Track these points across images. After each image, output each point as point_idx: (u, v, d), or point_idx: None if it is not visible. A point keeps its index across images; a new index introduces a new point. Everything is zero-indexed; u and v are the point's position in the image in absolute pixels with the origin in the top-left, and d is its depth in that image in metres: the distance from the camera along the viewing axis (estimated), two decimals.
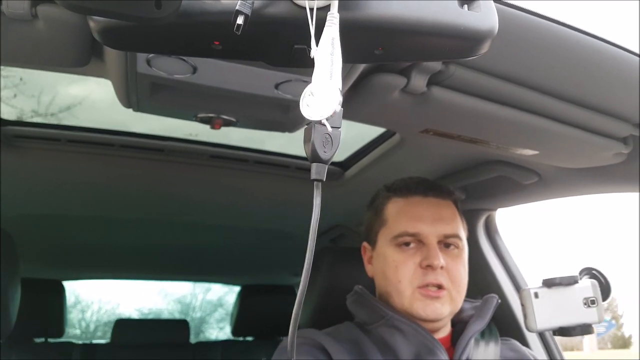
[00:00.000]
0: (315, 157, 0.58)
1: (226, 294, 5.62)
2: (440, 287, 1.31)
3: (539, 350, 1.99)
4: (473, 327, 1.36)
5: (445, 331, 1.40)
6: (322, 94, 0.58)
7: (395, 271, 1.33)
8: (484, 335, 1.44)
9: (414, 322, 1.30)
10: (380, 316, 1.34)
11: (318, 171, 0.59)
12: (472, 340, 1.36)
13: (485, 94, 1.14)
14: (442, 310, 1.31)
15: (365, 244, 1.49)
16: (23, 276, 1.72)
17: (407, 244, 1.35)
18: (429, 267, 1.31)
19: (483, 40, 0.66)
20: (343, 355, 1.27)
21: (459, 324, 1.41)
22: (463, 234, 1.41)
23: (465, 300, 1.40)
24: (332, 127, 0.58)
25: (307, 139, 0.58)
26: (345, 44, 0.59)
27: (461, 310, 1.41)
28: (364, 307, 1.40)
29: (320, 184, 0.59)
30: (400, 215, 1.39)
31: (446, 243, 1.37)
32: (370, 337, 1.34)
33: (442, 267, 1.31)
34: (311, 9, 0.59)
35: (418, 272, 1.32)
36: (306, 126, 0.59)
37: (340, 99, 0.58)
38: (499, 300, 1.43)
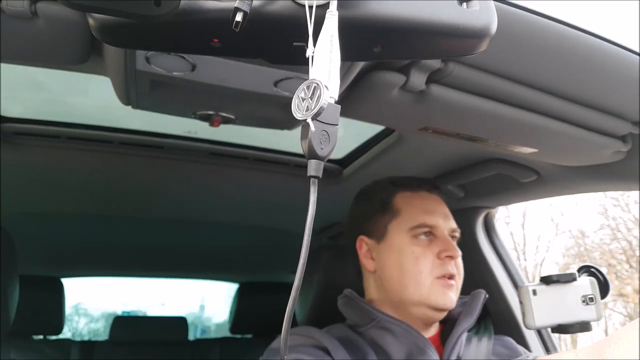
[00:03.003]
0: (312, 154, 0.58)
1: None
2: (452, 277, 1.35)
3: (537, 348, 1.99)
4: (462, 325, 1.37)
5: (434, 329, 1.42)
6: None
7: (416, 262, 1.34)
8: (478, 331, 1.46)
9: (404, 323, 1.32)
10: (370, 318, 1.35)
11: (315, 168, 0.59)
12: (463, 338, 1.37)
13: (484, 92, 1.14)
14: (454, 299, 1.35)
15: (363, 237, 1.46)
16: (22, 273, 1.72)
17: (425, 234, 1.37)
18: (448, 258, 1.35)
19: (481, 38, 0.66)
20: (344, 355, 1.27)
21: (449, 321, 1.42)
22: None
23: None
24: (329, 124, 0.58)
25: (304, 136, 0.58)
26: (344, 42, 0.59)
27: None
28: (354, 309, 1.40)
29: (317, 180, 0.59)
30: (414, 207, 1.41)
31: (452, 236, 1.41)
32: (363, 338, 1.34)
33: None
34: (310, 7, 0.59)
35: (436, 262, 1.35)
36: (303, 123, 0.59)
37: (335, 96, 0.59)
38: (487, 295, 1.45)
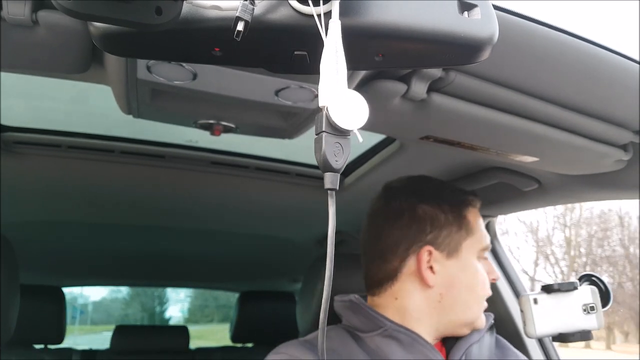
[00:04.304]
0: (327, 167, 0.58)
1: None
2: None
3: (538, 357, 1.99)
4: (470, 339, 1.34)
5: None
6: (344, 103, 0.58)
7: (484, 285, 1.34)
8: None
9: (412, 332, 1.27)
10: (377, 326, 1.29)
11: (331, 180, 0.59)
12: (468, 350, 1.33)
13: (485, 101, 1.14)
14: None
15: (430, 248, 1.33)
16: (23, 282, 1.72)
17: (484, 258, 1.38)
18: (493, 281, 1.37)
19: (483, 48, 0.66)
20: None
21: None
22: None
23: None
24: (341, 135, 0.58)
25: (318, 149, 0.58)
26: (345, 51, 0.59)
27: None
28: (357, 314, 1.35)
29: (334, 192, 0.59)
30: (481, 226, 1.39)
31: None
32: (361, 344, 1.30)
33: None
34: (318, 16, 0.59)
35: (488, 284, 1.36)
36: (316, 136, 0.59)
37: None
38: (493, 321, 1.42)
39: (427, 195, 1.40)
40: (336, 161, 0.58)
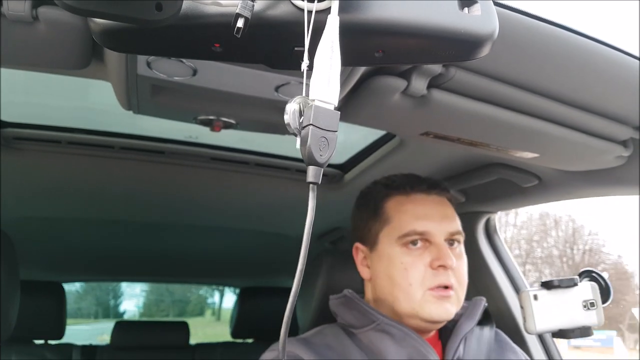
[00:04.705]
0: (311, 160, 0.58)
1: None
2: (448, 287, 1.28)
3: (539, 353, 1.99)
4: (463, 328, 1.34)
5: (433, 331, 1.38)
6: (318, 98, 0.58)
7: (405, 273, 1.28)
8: (479, 322, 1.41)
9: (404, 326, 1.27)
10: (370, 320, 1.30)
11: (314, 174, 0.59)
12: (463, 341, 1.33)
13: (485, 97, 1.14)
14: (451, 310, 1.28)
15: (358, 244, 1.42)
16: (23, 278, 1.72)
17: (414, 243, 1.30)
18: (441, 267, 1.28)
19: (483, 43, 0.66)
20: None
21: (448, 322, 1.36)
22: None
23: None
24: (328, 130, 0.58)
25: (303, 142, 0.58)
26: (345, 47, 0.59)
27: None
28: (352, 310, 1.35)
29: (316, 186, 0.59)
30: (406, 213, 1.33)
31: (451, 240, 1.34)
32: (355, 341, 1.30)
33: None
34: (309, 12, 0.59)
35: (428, 272, 1.27)
36: (302, 129, 0.59)
37: (335, 103, 0.59)
38: (487, 304, 1.42)
39: (363, 197, 1.47)
40: (321, 155, 0.58)
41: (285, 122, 0.59)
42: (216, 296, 9.18)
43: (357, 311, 1.34)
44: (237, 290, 4.34)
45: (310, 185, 0.59)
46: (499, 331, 1.49)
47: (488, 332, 1.40)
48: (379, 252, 1.35)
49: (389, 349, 1.25)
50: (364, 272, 1.40)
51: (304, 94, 0.60)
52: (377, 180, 1.48)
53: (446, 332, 1.36)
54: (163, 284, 7.98)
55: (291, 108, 0.59)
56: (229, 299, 9.51)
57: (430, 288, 1.27)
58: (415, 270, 1.28)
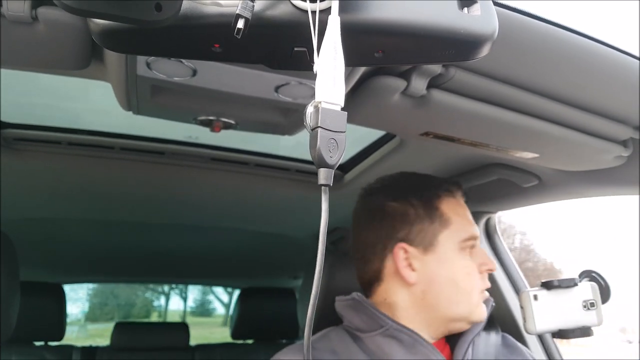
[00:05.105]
0: (321, 163, 0.58)
1: None
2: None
3: (539, 353, 1.99)
4: (472, 330, 1.32)
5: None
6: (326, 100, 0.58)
7: (468, 278, 1.28)
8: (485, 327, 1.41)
9: (414, 333, 1.25)
10: (378, 325, 1.27)
11: (325, 176, 0.58)
12: (472, 344, 1.31)
13: (485, 97, 1.14)
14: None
15: (404, 245, 1.31)
16: (23, 279, 1.72)
17: (471, 247, 1.32)
18: (487, 271, 1.32)
19: (483, 44, 0.66)
20: None
21: None
22: None
23: None
24: (336, 131, 0.58)
25: (313, 144, 0.58)
26: (345, 47, 0.59)
27: None
28: (359, 313, 1.31)
29: (327, 188, 0.59)
30: (463, 217, 1.34)
31: None
32: (360, 345, 1.28)
33: None
34: (313, 12, 0.59)
35: (479, 276, 1.31)
36: (311, 132, 0.59)
37: (341, 103, 0.59)
38: (494, 304, 1.40)
39: (396, 191, 1.38)
40: (331, 157, 0.58)
41: (305, 124, 0.59)
42: (162, 299, 9.13)
43: (366, 315, 1.30)
44: (232, 290, 4.32)
45: (322, 187, 0.59)
46: (506, 335, 1.48)
47: (494, 336, 1.39)
48: (438, 255, 1.30)
49: (397, 354, 1.23)
50: (408, 275, 1.30)
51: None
52: (405, 174, 1.45)
53: (453, 336, 1.34)
54: (159, 284, 8.00)
55: (308, 111, 0.59)
56: (174, 302, 9.48)
57: (481, 291, 1.31)
58: (475, 275, 1.30)
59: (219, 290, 8.98)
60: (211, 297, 9.97)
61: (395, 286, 1.32)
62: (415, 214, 1.33)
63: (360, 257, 1.40)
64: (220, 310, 10.07)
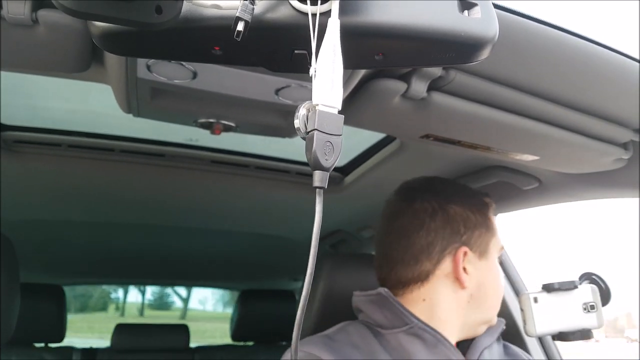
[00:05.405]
0: (317, 165, 0.58)
1: None
2: None
3: (539, 355, 1.98)
4: (483, 342, 1.32)
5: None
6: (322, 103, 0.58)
7: (501, 284, 1.37)
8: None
9: (437, 333, 1.24)
10: (403, 322, 1.25)
11: (320, 179, 0.58)
12: (482, 353, 1.31)
13: (485, 100, 1.14)
14: None
15: (466, 249, 1.31)
16: (23, 281, 1.72)
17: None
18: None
19: (483, 46, 0.66)
20: None
21: None
22: None
23: None
24: (332, 134, 0.58)
25: (309, 147, 0.58)
26: (345, 50, 0.59)
27: None
28: (383, 309, 1.29)
29: (322, 191, 0.59)
30: (498, 228, 1.41)
31: None
32: (381, 341, 1.26)
33: None
34: (313, 15, 0.59)
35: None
36: (306, 134, 0.59)
37: (339, 106, 0.59)
38: (505, 327, 1.41)
39: (453, 195, 1.38)
40: (326, 160, 0.58)
41: (296, 127, 0.59)
42: (120, 292, 8.98)
43: (390, 311, 1.28)
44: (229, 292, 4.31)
45: (317, 189, 0.58)
46: (507, 344, 1.48)
47: (496, 345, 1.40)
48: (489, 262, 1.35)
49: (419, 353, 1.22)
50: (464, 278, 1.30)
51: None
52: (440, 179, 1.47)
53: (463, 344, 1.33)
54: (162, 286, 7.96)
55: (301, 113, 0.59)
56: (133, 295, 9.37)
57: None
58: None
59: None
60: (169, 291, 9.86)
61: (442, 287, 1.31)
62: (475, 219, 1.35)
63: (405, 258, 1.34)
64: (178, 304, 10.05)
